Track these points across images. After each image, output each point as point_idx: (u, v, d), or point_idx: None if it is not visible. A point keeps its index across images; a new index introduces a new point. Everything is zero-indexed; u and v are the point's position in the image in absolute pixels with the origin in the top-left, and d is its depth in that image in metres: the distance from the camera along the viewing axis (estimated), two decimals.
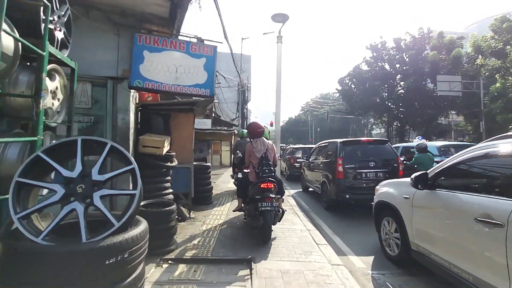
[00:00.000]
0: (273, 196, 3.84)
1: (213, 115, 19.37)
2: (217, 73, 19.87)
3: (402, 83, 25.85)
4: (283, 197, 4.66)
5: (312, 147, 15.11)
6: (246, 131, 5.99)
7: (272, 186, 3.87)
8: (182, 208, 5.12)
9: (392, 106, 27.13)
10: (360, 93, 27.04)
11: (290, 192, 9.46)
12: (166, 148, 4.44)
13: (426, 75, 24.00)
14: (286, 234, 4.40)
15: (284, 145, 28.86)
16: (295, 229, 4.69)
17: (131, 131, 4.29)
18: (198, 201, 6.10)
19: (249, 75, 28.29)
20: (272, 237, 3.99)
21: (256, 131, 4.36)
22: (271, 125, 49.26)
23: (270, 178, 3.91)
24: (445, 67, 22.61)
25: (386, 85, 26.09)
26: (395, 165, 6.23)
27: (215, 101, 18.14)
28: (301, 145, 16.34)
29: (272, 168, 4.13)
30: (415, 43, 26.29)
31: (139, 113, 4.89)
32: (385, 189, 3.80)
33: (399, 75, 26.53)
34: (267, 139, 4.59)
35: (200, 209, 5.92)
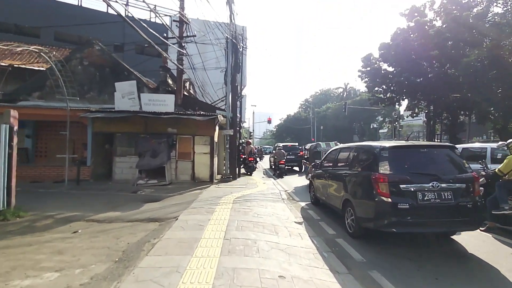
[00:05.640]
0: (253, 161, 14.54)
1: (183, 90, 10.94)
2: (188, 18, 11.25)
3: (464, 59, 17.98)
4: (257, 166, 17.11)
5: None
6: (276, 146, 21.69)
7: (252, 159, 14.53)
8: None
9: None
10: (403, 70, 19.11)
11: None
12: None
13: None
14: None
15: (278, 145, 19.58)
16: None
17: None
18: None
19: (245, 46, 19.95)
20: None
21: (248, 143, 16.62)
22: (269, 121, 43.51)
23: (250, 157, 14.54)
24: None
25: (444, 57, 18.12)
26: None
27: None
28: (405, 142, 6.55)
29: (253, 154, 15.12)
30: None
31: None
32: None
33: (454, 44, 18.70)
34: (251, 144, 18.17)
35: None
